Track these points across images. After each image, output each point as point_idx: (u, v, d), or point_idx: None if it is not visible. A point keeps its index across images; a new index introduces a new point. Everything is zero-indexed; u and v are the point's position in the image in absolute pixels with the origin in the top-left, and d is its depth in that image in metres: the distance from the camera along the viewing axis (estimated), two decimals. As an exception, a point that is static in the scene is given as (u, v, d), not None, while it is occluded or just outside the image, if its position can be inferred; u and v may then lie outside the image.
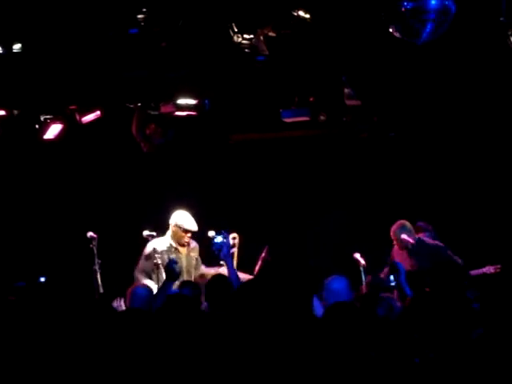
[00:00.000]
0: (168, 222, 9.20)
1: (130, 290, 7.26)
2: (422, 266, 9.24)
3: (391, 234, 9.79)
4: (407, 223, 9.81)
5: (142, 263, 9.00)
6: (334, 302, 6.44)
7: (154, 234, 9.35)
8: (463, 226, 10.99)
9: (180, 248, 9.13)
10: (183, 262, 8.98)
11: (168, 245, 9.09)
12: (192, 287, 7.15)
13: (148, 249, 9.05)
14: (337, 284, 6.78)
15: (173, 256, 8.49)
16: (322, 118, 10.31)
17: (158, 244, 9.05)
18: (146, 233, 9.36)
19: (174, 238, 9.12)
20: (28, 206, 11.23)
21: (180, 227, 9.11)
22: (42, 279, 6.07)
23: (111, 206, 11.23)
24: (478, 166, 11.27)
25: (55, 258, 10.87)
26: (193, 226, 9.11)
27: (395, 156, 11.50)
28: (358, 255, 9.72)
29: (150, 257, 8.94)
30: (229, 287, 6.26)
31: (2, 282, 9.03)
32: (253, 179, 11.69)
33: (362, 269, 9.52)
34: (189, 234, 9.15)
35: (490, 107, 9.94)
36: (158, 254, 8.81)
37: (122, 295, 7.48)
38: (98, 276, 9.16)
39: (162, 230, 9.34)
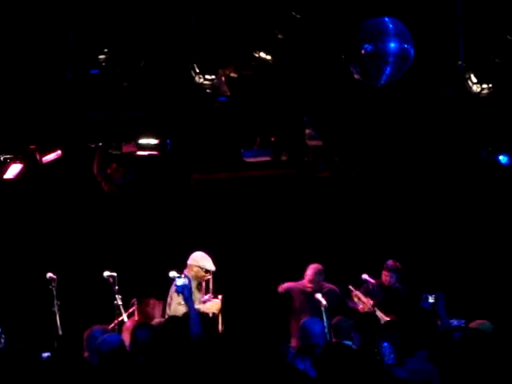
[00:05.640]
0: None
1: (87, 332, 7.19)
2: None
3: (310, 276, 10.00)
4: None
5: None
6: (311, 343, 6.59)
7: (115, 274, 9.30)
8: (425, 262, 11.09)
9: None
10: None
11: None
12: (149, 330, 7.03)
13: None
14: (315, 326, 6.89)
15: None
16: (283, 157, 10.35)
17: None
18: (106, 273, 9.32)
19: (195, 278, 9.12)
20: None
21: (202, 268, 9.15)
22: None
23: (71, 247, 11.12)
24: (438, 202, 11.40)
25: (14, 300, 10.72)
26: (213, 266, 9.23)
27: (357, 195, 11.56)
28: (319, 295, 9.75)
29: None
30: (186, 331, 6.21)
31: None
32: (214, 219, 11.66)
33: (323, 309, 9.53)
34: (209, 275, 9.23)
35: (448, 147, 10.06)
36: None
37: (81, 337, 7.38)
38: (58, 317, 9.06)
39: (123, 270, 9.31)
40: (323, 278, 10.12)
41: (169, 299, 9.00)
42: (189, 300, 7.15)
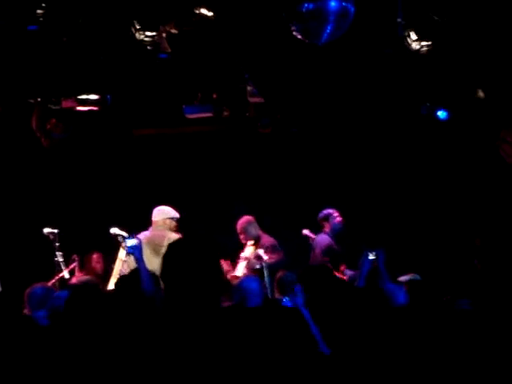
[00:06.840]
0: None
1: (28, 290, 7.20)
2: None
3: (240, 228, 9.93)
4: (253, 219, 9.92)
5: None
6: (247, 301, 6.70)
7: (56, 231, 9.24)
8: (367, 217, 11.25)
9: None
10: None
11: None
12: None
13: None
14: (252, 284, 6.97)
15: None
16: (225, 113, 10.35)
17: None
18: (46, 230, 9.26)
19: (170, 230, 8.90)
20: None
21: (173, 218, 8.99)
22: None
23: (11, 204, 11.02)
24: (379, 158, 11.55)
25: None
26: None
27: (299, 151, 11.65)
28: (261, 251, 9.78)
29: None
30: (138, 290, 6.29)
31: None
32: (155, 174, 11.64)
33: (264, 265, 9.60)
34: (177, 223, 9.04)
35: (387, 104, 10.19)
36: None
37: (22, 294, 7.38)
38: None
39: (64, 226, 9.25)
40: (255, 229, 9.98)
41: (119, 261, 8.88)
42: (140, 260, 7.07)
